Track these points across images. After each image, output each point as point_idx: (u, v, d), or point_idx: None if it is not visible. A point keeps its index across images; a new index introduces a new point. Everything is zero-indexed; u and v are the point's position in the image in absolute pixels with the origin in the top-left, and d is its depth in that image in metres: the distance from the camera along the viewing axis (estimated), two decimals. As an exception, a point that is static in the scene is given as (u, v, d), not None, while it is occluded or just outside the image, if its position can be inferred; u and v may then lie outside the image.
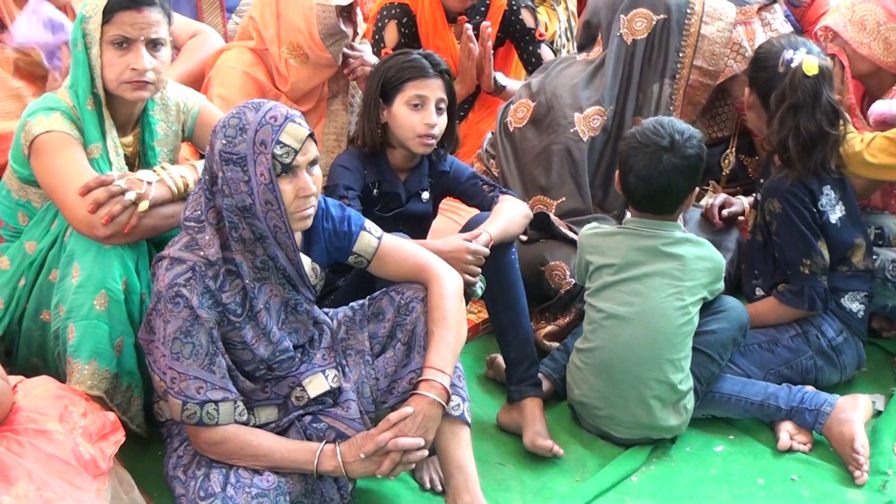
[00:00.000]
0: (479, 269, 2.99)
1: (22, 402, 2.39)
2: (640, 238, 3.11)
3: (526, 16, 4.20)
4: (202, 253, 2.55)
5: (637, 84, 3.67)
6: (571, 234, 3.52)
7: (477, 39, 3.93)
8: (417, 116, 3.16)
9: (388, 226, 2.92)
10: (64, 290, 2.76)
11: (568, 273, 3.47)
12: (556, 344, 3.39)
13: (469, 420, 2.69)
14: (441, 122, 3.19)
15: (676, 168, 3.03)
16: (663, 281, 3.05)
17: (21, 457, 2.25)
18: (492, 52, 4.00)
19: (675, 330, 3.03)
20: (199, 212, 2.58)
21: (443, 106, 3.19)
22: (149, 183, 2.77)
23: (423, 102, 3.16)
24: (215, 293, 2.56)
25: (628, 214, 3.21)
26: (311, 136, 2.57)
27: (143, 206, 2.74)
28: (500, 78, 4.06)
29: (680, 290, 3.05)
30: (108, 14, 2.77)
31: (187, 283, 2.52)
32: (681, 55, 3.66)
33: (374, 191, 3.23)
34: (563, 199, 3.64)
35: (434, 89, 3.16)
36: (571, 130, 3.64)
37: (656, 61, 3.66)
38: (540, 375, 3.19)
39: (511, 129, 3.76)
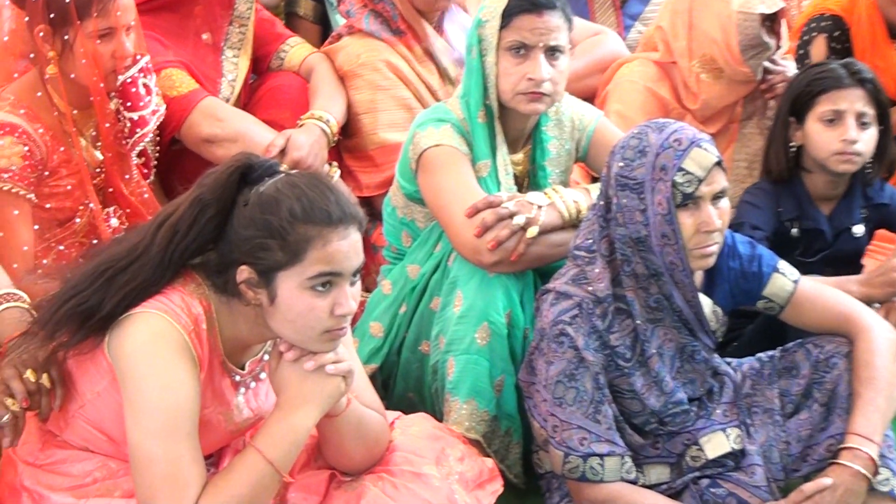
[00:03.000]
0: None
1: (398, 440, 2.54)
2: None
3: None
4: (590, 288, 2.67)
5: None
6: None
7: None
8: (833, 133, 3.13)
9: (810, 271, 2.89)
10: (445, 319, 2.95)
11: None
12: None
13: (900, 498, 2.64)
14: (865, 137, 3.12)
15: None
16: None
17: (396, 501, 2.41)
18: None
19: None
20: (591, 241, 2.70)
21: (867, 120, 3.13)
22: (539, 207, 2.93)
23: (838, 117, 3.12)
24: (603, 334, 2.66)
25: None
26: (718, 163, 2.61)
27: (533, 231, 2.88)
28: None
29: None
30: (506, 18, 2.95)
31: (573, 320, 2.64)
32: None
33: (793, 230, 3.21)
34: None
35: (852, 101, 3.12)
36: None
37: None
38: None
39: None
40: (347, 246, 2.27)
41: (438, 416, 2.92)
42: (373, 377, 2.99)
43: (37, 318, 2.43)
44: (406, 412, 2.75)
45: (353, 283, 2.31)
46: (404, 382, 3.16)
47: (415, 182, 3.10)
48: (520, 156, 3.15)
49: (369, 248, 3.52)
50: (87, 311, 2.29)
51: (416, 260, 3.15)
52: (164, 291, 2.31)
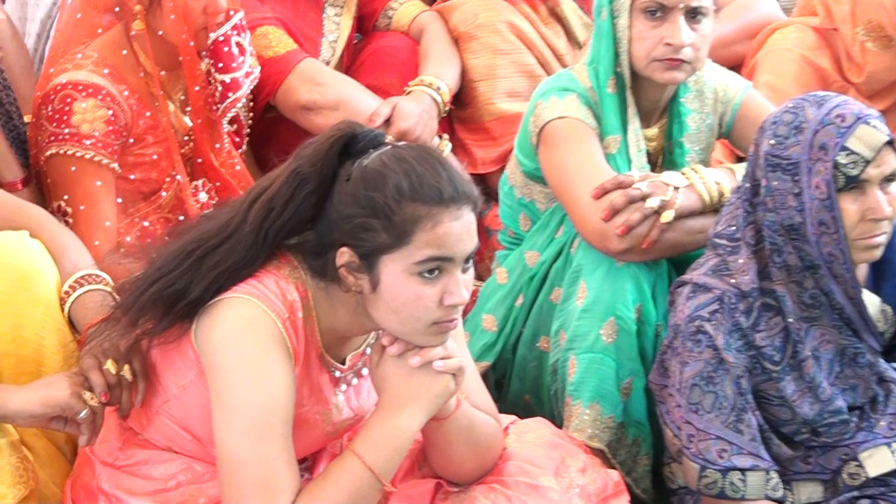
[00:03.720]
0: None
1: (513, 447, 2.54)
2: None
3: None
4: (733, 280, 2.64)
5: None
6: None
7: None
8: None
9: None
10: (567, 313, 2.95)
11: None
12: None
13: None
14: None
15: None
16: None
17: (508, 514, 2.43)
18: None
19: None
20: (735, 228, 2.67)
21: None
22: (675, 188, 2.90)
23: None
24: (747, 332, 2.63)
25: None
26: (889, 143, 2.56)
27: (668, 216, 2.86)
28: None
29: None
30: None
31: (712, 316, 2.61)
32: None
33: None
34: None
35: None
36: None
37: None
38: None
39: None
40: (460, 227, 2.27)
41: (558, 422, 2.92)
42: (485, 376, 2.98)
43: (119, 302, 2.45)
44: (522, 416, 2.74)
45: (465, 270, 2.30)
46: (520, 383, 3.16)
47: (535, 158, 3.09)
48: (654, 131, 3.13)
49: (483, 231, 3.55)
50: (173, 296, 2.31)
51: (536, 246, 3.15)
52: (257, 275, 2.31)
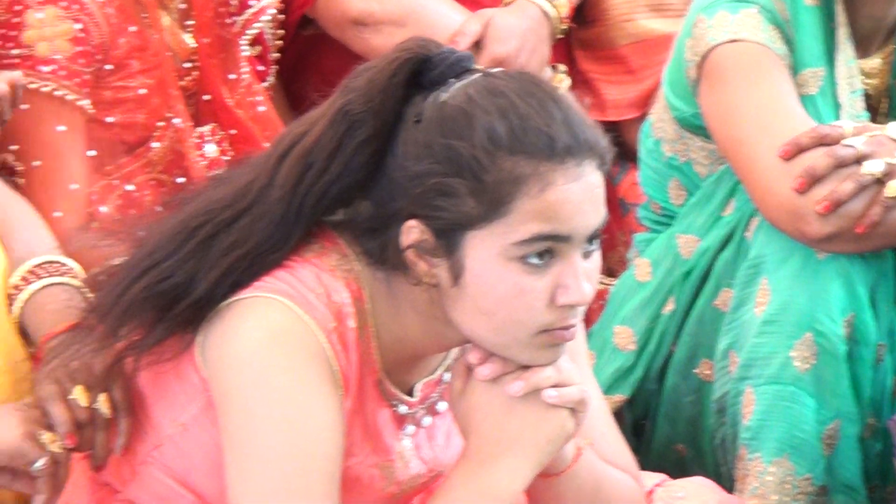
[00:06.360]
0: None
1: None
2: None
3: None
4: None
5: None
6: None
7: None
8: None
9: None
10: (740, 325, 2.96)
11: None
12: None
13: None
14: None
15: None
16: None
17: None
18: None
19: None
20: None
21: None
22: None
23: None
24: None
25: None
26: None
27: (894, 188, 2.83)
28: None
29: None
30: None
31: None
32: None
33: None
34: None
35: None
36: None
37: None
38: None
39: None
40: (580, 192, 2.23)
41: (727, 483, 2.93)
42: (618, 415, 2.99)
43: (93, 302, 2.44)
44: (672, 474, 2.72)
45: (587, 255, 2.27)
46: (669, 425, 3.18)
47: (694, 100, 3.10)
48: (876, 62, 3.16)
49: (615, 204, 3.68)
50: (169, 294, 2.29)
51: (693, 227, 3.16)
52: (289, 264, 2.30)
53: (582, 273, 2.24)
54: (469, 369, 2.32)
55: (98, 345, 2.37)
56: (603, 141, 2.27)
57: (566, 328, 2.27)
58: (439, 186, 2.21)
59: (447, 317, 2.30)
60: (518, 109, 2.22)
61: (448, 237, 2.23)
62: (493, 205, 2.20)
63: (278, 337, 2.23)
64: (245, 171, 2.35)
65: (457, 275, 2.24)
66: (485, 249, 2.22)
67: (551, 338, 2.26)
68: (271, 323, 2.24)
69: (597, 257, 2.29)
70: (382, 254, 2.30)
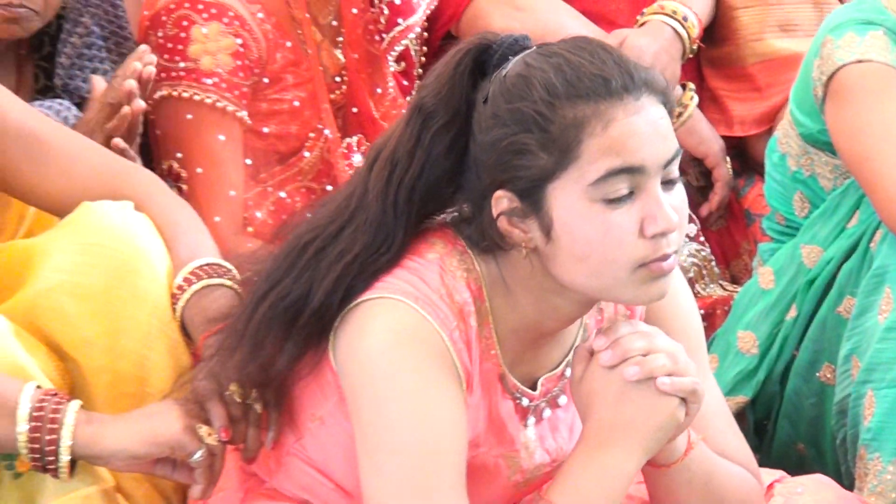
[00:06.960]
0: None
1: None
2: None
3: None
4: None
5: None
6: None
7: None
8: None
9: None
10: (863, 332, 2.98)
11: None
12: None
13: None
14: None
15: None
16: None
17: None
18: None
19: None
20: None
21: None
22: None
23: None
24: None
25: None
26: None
27: None
28: None
29: None
30: None
31: None
32: None
33: None
34: None
35: None
36: None
37: None
38: None
39: None
40: (643, 123, 2.23)
41: (846, 482, 2.95)
42: (740, 416, 3.03)
43: (228, 327, 2.45)
44: (792, 472, 2.71)
45: (668, 186, 2.27)
46: (791, 426, 3.19)
47: (820, 117, 3.11)
48: None
49: (741, 215, 3.60)
50: (291, 309, 2.32)
51: (817, 238, 3.17)
52: (413, 265, 2.32)
53: (665, 201, 2.23)
54: (590, 355, 2.31)
55: (239, 369, 2.39)
56: (660, 79, 2.28)
57: (663, 258, 2.25)
58: (512, 147, 2.22)
59: (553, 283, 2.30)
60: (570, 62, 2.24)
61: (532, 196, 2.24)
62: (563, 152, 2.20)
63: (404, 338, 2.24)
64: (345, 188, 2.39)
65: (547, 229, 2.24)
66: (566, 197, 2.22)
67: (650, 271, 2.25)
68: (398, 325, 2.25)
69: (679, 190, 2.28)
70: (483, 237, 2.31)
